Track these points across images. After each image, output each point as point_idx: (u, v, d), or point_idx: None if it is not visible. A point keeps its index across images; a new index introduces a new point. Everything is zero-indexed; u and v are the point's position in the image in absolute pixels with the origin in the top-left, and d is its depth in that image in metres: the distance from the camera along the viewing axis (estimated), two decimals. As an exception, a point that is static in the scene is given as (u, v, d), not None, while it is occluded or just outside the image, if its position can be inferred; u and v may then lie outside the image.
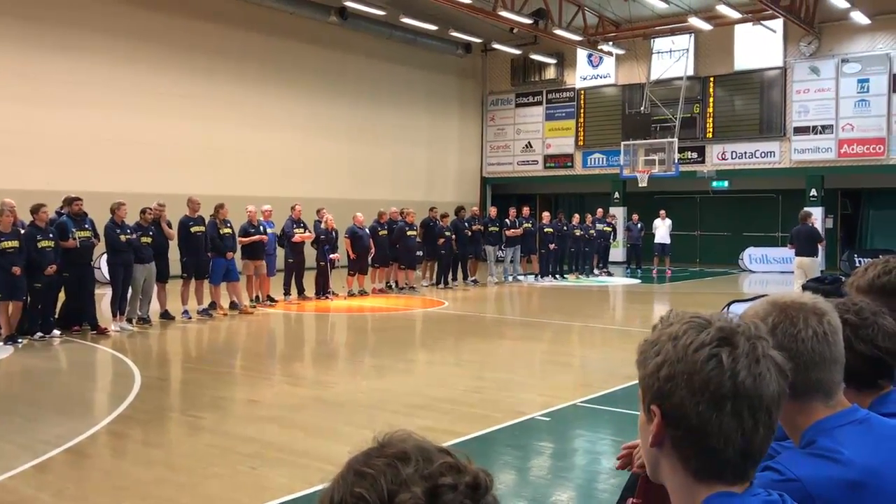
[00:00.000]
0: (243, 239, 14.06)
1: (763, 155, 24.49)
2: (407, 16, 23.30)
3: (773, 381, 1.20)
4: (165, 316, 12.66)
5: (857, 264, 18.53)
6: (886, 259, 2.50)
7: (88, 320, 11.53)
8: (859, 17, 21.67)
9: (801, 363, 1.58)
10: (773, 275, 23.18)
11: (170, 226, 12.83)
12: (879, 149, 22.50)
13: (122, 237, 11.66)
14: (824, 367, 1.62)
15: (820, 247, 15.54)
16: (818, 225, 23.32)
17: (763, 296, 2.18)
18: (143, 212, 12.33)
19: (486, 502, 0.92)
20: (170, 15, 20.17)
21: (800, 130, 23.70)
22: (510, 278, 20.18)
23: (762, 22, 22.40)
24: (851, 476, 1.48)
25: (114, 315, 11.79)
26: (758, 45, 23.97)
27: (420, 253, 18.78)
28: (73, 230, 11.27)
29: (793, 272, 23.17)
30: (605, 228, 22.51)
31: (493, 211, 21.05)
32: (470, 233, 19.13)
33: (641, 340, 1.31)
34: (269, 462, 5.61)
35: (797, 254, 15.17)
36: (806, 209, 17.25)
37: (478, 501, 0.91)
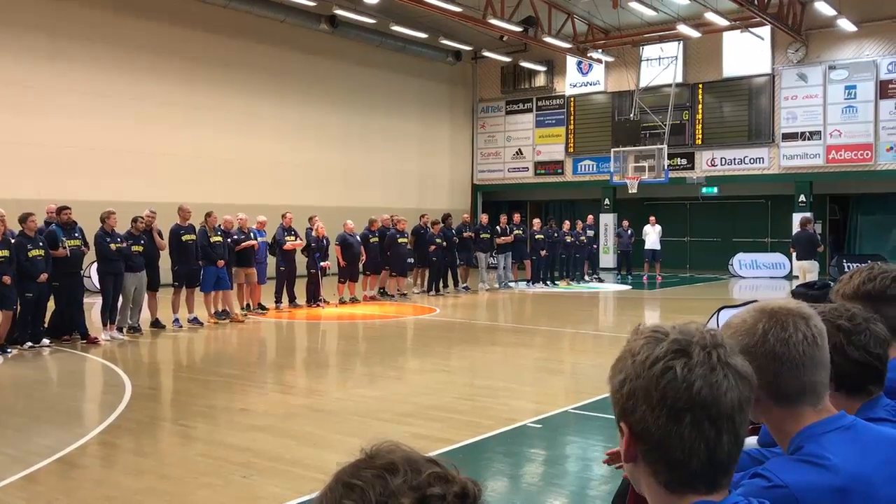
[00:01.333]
0: (245, 244, 14.10)
1: (752, 161, 24.62)
2: (397, 24, 23.34)
3: (733, 388, 1.19)
4: (156, 325, 12.62)
5: (846, 269, 18.85)
6: (871, 266, 2.52)
7: (78, 329, 11.48)
8: (846, 25, 21.85)
9: (794, 366, 1.61)
10: (763, 280, 23.29)
11: (160, 235, 12.80)
12: (867, 154, 22.66)
13: (112, 246, 11.62)
14: (814, 370, 1.64)
15: (818, 251, 16.00)
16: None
17: (753, 301, 2.20)
18: (134, 220, 12.32)
19: None
20: (160, 24, 20.15)
21: (788, 137, 23.85)
22: (504, 285, 20.20)
23: (750, 29, 22.55)
24: (838, 483, 1.49)
25: (104, 324, 11.74)
26: (746, 52, 24.13)
27: (411, 260, 18.78)
28: (63, 239, 11.23)
29: (781, 277, 23.39)
30: (588, 234, 22.58)
31: (484, 218, 21.08)
32: (458, 240, 19.14)
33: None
34: (261, 471, 5.60)
35: (798, 258, 15.75)
36: (806, 215, 17.86)
37: None
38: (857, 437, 1.59)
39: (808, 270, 15.28)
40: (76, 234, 11.56)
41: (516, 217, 21.15)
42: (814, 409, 1.63)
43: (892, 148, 22.34)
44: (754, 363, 1.32)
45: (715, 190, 25.41)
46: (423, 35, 24.56)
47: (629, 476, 1.31)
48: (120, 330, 11.94)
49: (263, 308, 14.83)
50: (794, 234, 16.43)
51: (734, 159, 24.93)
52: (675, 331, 1.24)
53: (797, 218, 23.68)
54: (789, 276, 23.35)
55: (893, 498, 1.53)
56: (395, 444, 0.97)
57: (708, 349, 1.21)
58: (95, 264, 12.70)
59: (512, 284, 20.36)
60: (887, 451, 1.59)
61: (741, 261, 24.78)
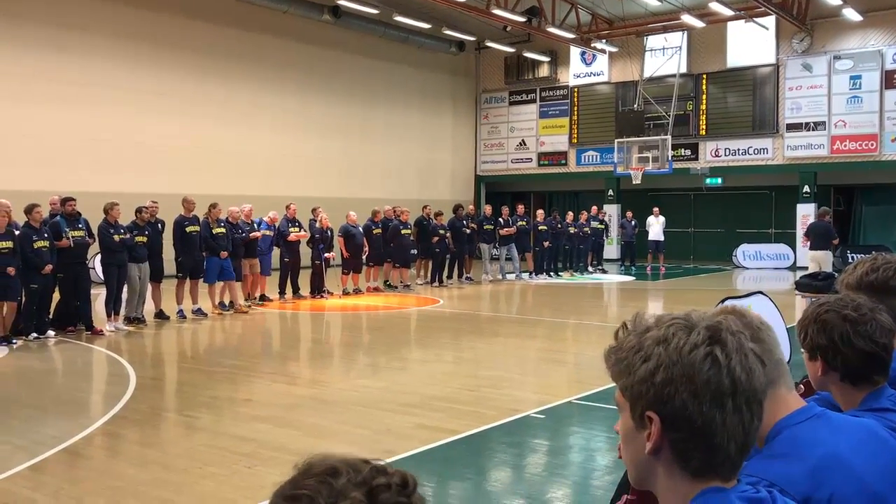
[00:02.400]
0: (253, 234, 14.20)
1: (756, 152, 24.55)
2: (400, 14, 23.28)
3: (762, 373, 1.23)
4: (160, 316, 12.65)
5: (851, 260, 18.78)
6: (875, 257, 2.53)
7: (83, 321, 11.51)
8: (851, 14, 21.74)
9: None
10: (767, 271, 23.26)
11: (162, 226, 12.81)
12: (872, 145, 22.58)
13: (116, 237, 11.64)
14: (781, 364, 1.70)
15: (834, 243, 15.99)
16: (811, 221, 23.48)
17: (757, 292, 2.21)
18: (138, 211, 12.32)
19: (418, 497, 0.95)
20: (162, 14, 20.13)
21: (792, 127, 23.77)
22: (509, 276, 20.19)
23: (755, 19, 22.45)
24: (809, 465, 1.55)
25: (108, 315, 11.77)
26: (750, 43, 24.03)
27: (414, 251, 18.79)
28: (67, 230, 11.24)
29: (785, 268, 23.37)
30: (598, 226, 22.58)
31: (487, 209, 21.05)
32: (467, 231, 19.14)
33: (607, 347, 1.29)
34: (265, 461, 5.62)
35: (811, 248, 15.65)
36: (823, 207, 17.99)
37: (410, 496, 0.94)
38: (827, 423, 1.64)
39: (821, 261, 15.27)
40: (80, 226, 11.58)
41: (520, 208, 21.13)
42: (789, 393, 1.69)
43: (896, 138, 22.25)
44: None
45: (719, 181, 25.35)
46: (426, 25, 24.49)
47: (638, 469, 1.29)
48: (128, 319, 11.97)
49: (267, 298, 14.86)
50: (810, 224, 16.46)
51: (738, 150, 24.86)
52: (700, 318, 1.25)
53: (802, 209, 23.76)
54: (793, 267, 23.34)
55: (869, 472, 1.57)
56: (325, 454, 0.98)
57: (737, 335, 1.23)
58: (99, 255, 12.72)
59: (511, 276, 20.31)
60: (859, 433, 1.64)
61: (745, 252, 24.75)
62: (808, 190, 23.75)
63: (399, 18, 23.48)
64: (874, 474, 1.58)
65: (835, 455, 1.57)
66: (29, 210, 10.87)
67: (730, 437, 1.19)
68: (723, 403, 1.18)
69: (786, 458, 1.57)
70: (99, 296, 12.62)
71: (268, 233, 14.89)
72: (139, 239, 12.09)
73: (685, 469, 1.22)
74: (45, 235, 10.87)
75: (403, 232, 17.63)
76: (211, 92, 21.20)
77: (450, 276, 18.99)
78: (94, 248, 12.36)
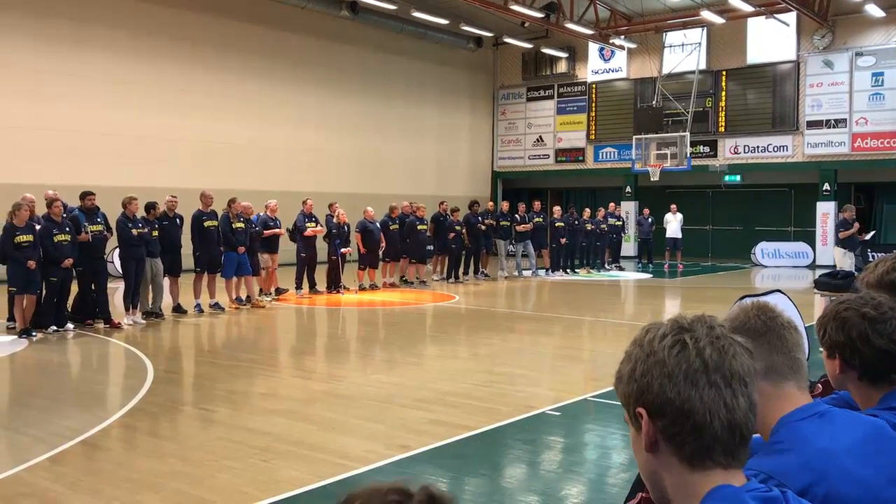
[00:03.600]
0: (272, 231, 14.27)
1: (776, 149, 24.36)
2: (418, 10, 23.28)
3: (739, 354, 1.28)
4: (178, 310, 12.73)
5: (871, 259, 18.73)
6: None
7: (101, 314, 11.60)
8: (874, 10, 21.49)
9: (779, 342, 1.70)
10: (786, 269, 23.09)
11: (181, 220, 12.90)
12: (894, 143, 22.35)
13: (134, 231, 11.72)
14: (799, 350, 1.74)
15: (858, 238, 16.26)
16: (831, 219, 23.32)
17: (776, 290, 2.20)
18: (150, 207, 12.33)
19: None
20: (180, 10, 20.23)
21: (813, 124, 23.56)
22: (524, 272, 20.17)
23: (775, 15, 22.26)
24: (803, 459, 1.57)
25: (126, 309, 11.87)
26: (771, 39, 23.82)
27: (430, 247, 18.80)
28: (86, 224, 11.33)
29: (804, 266, 23.20)
30: (615, 223, 22.49)
31: (504, 205, 21.01)
32: (483, 227, 19.12)
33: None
34: (281, 455, 5.64)
35: (839, 244, 15.87)
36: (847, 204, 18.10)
37: None
38: (830, 420, 1.66)
39: (843, 257, 15.53)
40: (99, 220, 11.67)
41: (536, 205, 21.08)
42: (800, 391, 1.71)
43: (919, 136, 22.00)
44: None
45: (738, 178, 25.18)
46: (444, 21, 24.47)
47: (647, 476, 1.32)
48: (144, 315, 12.06)
49: (283, 291, 14.94)
50: (840, 220, 16.48)
51: (757, 147, 24.67)
52: (674, 316, 1.33)
53: (822, 207, 23.55)
54: (812, 266, 23.15)
55: (868, 470, 1.57)
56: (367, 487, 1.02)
57: (709, 324, 1.30)
58: (118, 249, 12.82)
59: (527, 273, 20.27)
60: (864, 430, 1.65)
61: (764, 250, 24.57)
62: (829, 188, 23.53)
63: (417, 14, 23.48)
64: (873, 472, 1.57)
65: (830, 451, 1.58)
66: (49, 204, 10.98)
67: (712, 414, 1.23)
68: (696, 381, 1.24)
69: (782, 452, 1.59)
70: (117, 289, 12.72)
71: (282, 231, 14.97)
72: (152, 234, 12.16)
73: (682, 459, 1.25)
74: (67, 229, 10.96)
75: (420, 228, 17.64)
76: (230, 88, 21.29)
77: (466, 273, 18.99)
78: (112, 242, 12.45)
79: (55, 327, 10.96)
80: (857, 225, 16.09)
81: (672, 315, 1.35)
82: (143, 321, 11.93)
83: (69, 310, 11.47)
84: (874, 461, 1.59)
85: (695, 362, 1.24)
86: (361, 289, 16.31)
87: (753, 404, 1.28)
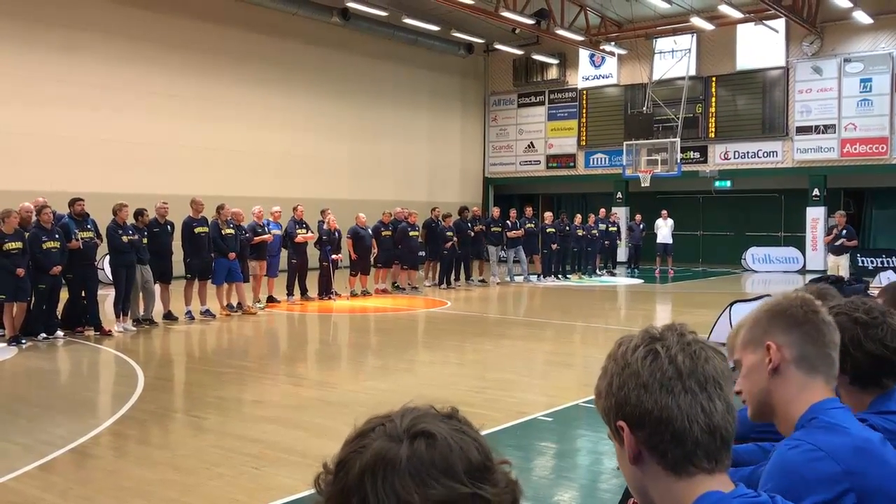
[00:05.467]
0: (260, 238, 14.22)
1: (765, 155, 24.48)
2: (409, 16, 23.31)
3: (712, 358, 1.29)
4: (168, 317, 12.68)
5: (861, 264, 18.89)
6: None
7: (92, 321, 11.55)
8: (861, 17, 21.64)
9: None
10: (776, 275, 23.17)
11: (171, 227, 12.85)
12: (882, 148, 22.48)
13: (125, 238, 11.68)
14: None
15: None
16: (821, 225, 23.45)
17: (765, 296, 2.22)
18: (139, 214, 12.27)
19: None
20: (171, 15, 20.20)
21: (802, 130, 23.69)
22: (516, 278, 20.18)
23: (764, 21, 22.38)
24: (857, 443, 1.61)
25: (117, 316, 11.81)
26: (760, 45, 23.96)
27: (422, 253, 18.80)
28: (76, 231, 11.29)
29: (794, 271, 23.32)
30: (610, 229, 22.56)
31: (495, 211, 21.05)
32: (473, 233, 19.13)
33: None
34: (273, 462, 5.63)
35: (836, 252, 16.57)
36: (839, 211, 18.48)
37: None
38: (853, 416, 1.72)
39: (842, 265, 16.24)
40: (89, 227, 11.62)
41: (528, 210, 21.11)
42: (828, 386, 1.74)
43: (907, 141, 22.15)
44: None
45: (728, 184, 25.27)
46: (434, 27, 24.52)
47: (635, 485, 1.33)
48: (135, 322, 12.01)
49: (274, 300, 14.89)
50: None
51: (747, 153, 24.78)
52: (644, 328, 1.35)
53: (811, 212, 23.69)
54: (802, 271, 23.24)
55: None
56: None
57: (679, 332, 1.32)
58: (108, 256, 12.77)
59: (519, 278, 20.29)
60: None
61: (754, 255, 24.66)
62: (818, 193, 23.65)
63: (408, 21, 23.51)
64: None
65: (872, 441, 1.63)
66: (39, 210, 10.93)
67: (690, 420, 1.25)
68: (671, 388, 1.26)
69: (830, 431, 1.62)
70: (108, 296, 12.67)
71: (277, 232, 14.93)
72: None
73: (666, 468, 1.26)
74: (56, 236, 10.91)
75: (411, 234, 17.64)
76: (220, 94, 21.26)
77: (458, 279, 18.99)
78: (102, 249, 12.40)
79: (45, 335, 10.90)
80: (834, 231, 16.38)
81: (646, 326, 1.36)
82: (134, 328, 11.88)
83: (59, 317, 11.42)
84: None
85: (668, 370, 1.26)
86: (353, 295, 16.29)
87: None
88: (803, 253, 24.01)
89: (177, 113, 20.24)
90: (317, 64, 23.66)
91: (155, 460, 5.80)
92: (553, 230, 20.51)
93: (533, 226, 20.41)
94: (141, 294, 12.14)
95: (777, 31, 23.29)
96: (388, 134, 25.89)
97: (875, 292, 3.71)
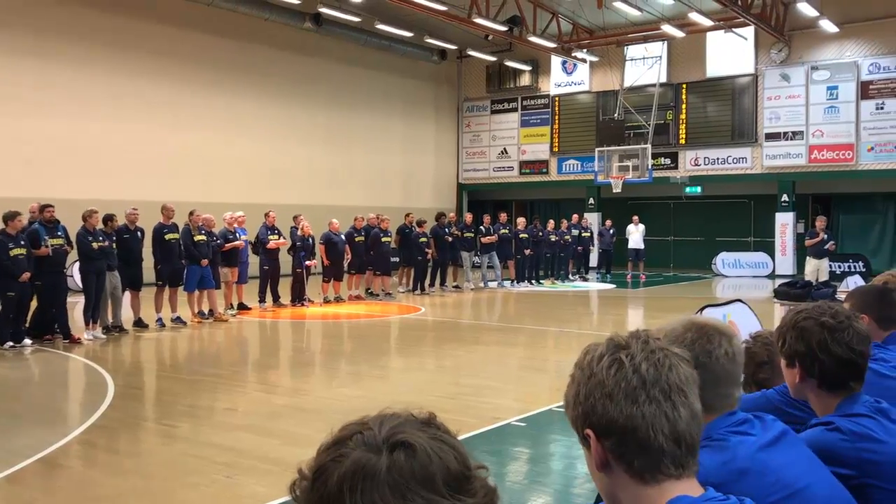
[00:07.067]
0: (231, 244, 14.11)
1: (735, 161, 24.77)
2: (382, 22, 23.30)
3: (676, 366, 1.30)
4: (139, 324, 12.54)
5: (829, 268, 19.22)
6: None
7: (61, 329, 11.39)
8: (828, 26, 22.01)
9: (713, 378, 1.69)
10: (746, 279, 23.43)
11: (142, 233, 12.71)
12: (849, 154, 22.85)
13: (94, 245, 11.54)
14: (729, 384, 1.75)
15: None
16: (790, 230, 23.79)
17: (736, 300, 2.25)
18: (108, 219, 12.12)
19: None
20: (142, 21, 20.02)
21: (771, 136, 24.01)
22: (490, 284, 20.22)
23: (734, 29, 22.67)
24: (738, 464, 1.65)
25: (86, 323, 11.65)
26: (729, 53, 24.26)
27: (396, 259, 18.77)
28: (46, 238, 11.13)
29: (764, 276, 23.61)
30: (583, 234, 22.69)
31: (468, 217, 21.09)
32: (450, 239, 19.15)
33: None
34: (245, 470, 5.58)
35: (816, 256, 16.92)
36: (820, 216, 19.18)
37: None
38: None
39: (822, 268, 16.67)
40: (59, 233, 11.47)
41: (502, 216, 21.17)
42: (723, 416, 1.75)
43: (872, 148, 22.53)
44: None
45: (698, 189, 25.53)
46: (408, 34, 24.53)
47: (605, 492, 1.34)
48: (104, 329, 11.85)
49: (245, 307, 14.77)
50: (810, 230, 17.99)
51: (717, 159, 25.06)
52: (610, 336, 1.36)
53: (781, 218, 24.02)
54: (772, 276, 23.53)
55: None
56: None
57: (643, 339, 1.33)
58: (77, 263, 12.60)
59: (492, 284, 20.34)
60: None
61: (724, 260, 24.93)
62: (787, 199, 23.98)
63: (381, 27, 23.50)
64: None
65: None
66: (11, 217, 10.72)
67: (655, 429, 1.26)
68: (636, 398, 1.27)
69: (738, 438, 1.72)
70: (77, 304, 12.50)
71: (244, 238, 14.81)
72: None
73: (634, 475, 1.28)
74: (22, 243, 10.75)
75: (384, 240, 17.61)
76: (191, 99, 21.09)
77: (432, 284, 18.99)
78: (73, 255, 12.24)
79: (12, 343, 10.72)
80: (822, 234, 16.68)
81: (611, 334, 1.37)
82: (104, 336, 11.73)
83: (27, 325, 11.24)
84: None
85: (632, 380, 1.27)
86: (326, 301, 16.22)
87: (695, 413, 1.30)
88: (773, 258, 24.31)
89: (147, 118, 20.03)
90: (289, 70, 23.57)
91: (125, 469, 5.73)
92: (526, 236, 20.59)
93: (507, 231, 20.48)
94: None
95: (746, 39, 23.61)
96: (362, 139, 25.84)
97: (842, 296, 3.78)
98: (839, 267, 21.71)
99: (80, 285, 12.04)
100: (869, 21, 22.30)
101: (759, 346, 2.84)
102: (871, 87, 22.50)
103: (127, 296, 12.45)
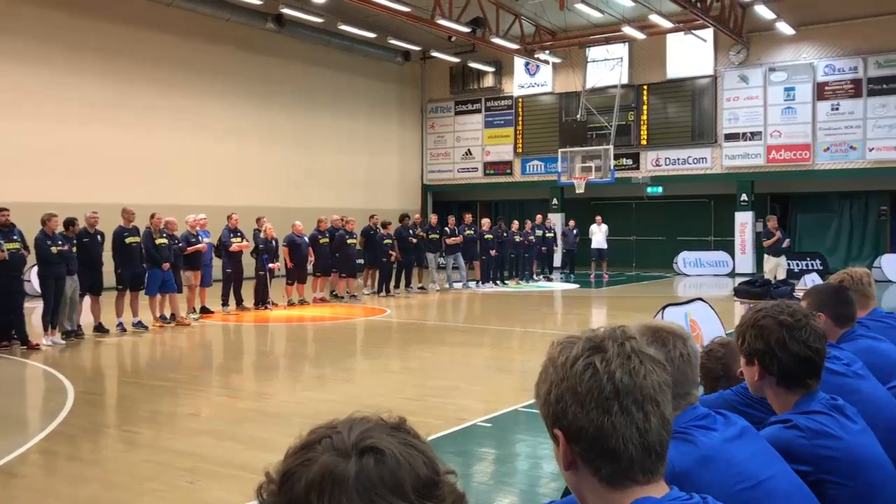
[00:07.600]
0: (194, 247, 13.93)
1: (695, 161, 25.11)
2: (345, 23, 23.22)
3: (651, 372, 1.27)
4: (99, 329, 12.34)
5: (787, 266, 19.61)
6: None
7: (18, 335, 11.16)
8: (784, 28, 22.42)
9: (672, 381, 1.72)
10: (707, 278, 23.75)
11: (102, 237, 12.50)
12: (805, 154, 23.28)
13: (54, 249, 11.33)
14: (686, 384, 1.80)
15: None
16: (749, 229, 24.18)
17: (697, 299, 2.28)
18: (69, 223, 11.91)
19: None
20: (103, 22, 19.71)
21: (730, 137, 24.38)
22: (455, 285, 20.25)
23: (693, 31, 22.98)
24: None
25: (45, 329, 11.44)
26: (689, 54, 24.59)
27: (361, 261, 18.70)
28: (1, 242, 10.90)
29: (724, 275, 23.95)
30: (546, 234, 22.82)
31: (433, 218, 21.09)
32: (414, 240, 19.13)
33: None
34: (208, 476, 5.52)
35: (774, 254, 17.39)
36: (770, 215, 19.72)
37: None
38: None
39: (781, 265, 17.18)
40: (15, 237, 11.23)
41: (467, 217, 21.22)
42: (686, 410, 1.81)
43: (828, 148, 22.99)
44: None
45: (660, 189, 25.84)
46: (371, 35, 24.48)
47: (571, 487, 1.35)
48: (64, 335, 11.64)
49: (208, 311, 14.61)
50: (765, 230, 18.36)
51: (678, 159, 25.38)
52: (585, 333, 1.33)
53: (740, 217, 24.40)
54: (732, 274, 23.89)
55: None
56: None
57: (620, 342, 1.29)
58: (36, 267, 12.36)
59: (457, 285, 20.37)
60: None
61: (685, 259, 25.25)
62: (746, 198, 24.36)
63: (344, 27, 23.41)
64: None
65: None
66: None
67: (625, 440, 1.24)
68: (608, 408, 1.24)
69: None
70: (35, 309, 12.26)
71: (207, 240, 14.65)
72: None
73: (601, 480, 1.27)
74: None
75: (349, 242, 17.54)
76: (153, 100, 20.81)
77: (397, 286, 18.96)
78: (31, 259, 12.00)
79: (-33, 350, 10.49)
80: (777, 233, 17.10)
81: (587, 330, 1.34)
82: (63, 342, 11.53)
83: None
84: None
85: (606, 388, 1.25)
86: (290, 304, 16.11)
87: (666, 420, 1.29)
88: (732, 257, 24.68)
89: (108, 120, 19.72)
90: (251, 71, 23.37)
91: (86, 477, 5.63)
92: (491, 236, 20.66)
93: (472, 232, 20.52)
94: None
95: (705, 41, 23.95)
96: (325, 141, 25.72)
97: (800, 294, 3.85)
98: (797, 265, 22.11)
99: (39, 290, 11.81)
100: (824, 24, 22.77)
101: (713, 361, 2.90)
102: (826, 88, 22.96)
103: (87, 301, 12.23)
